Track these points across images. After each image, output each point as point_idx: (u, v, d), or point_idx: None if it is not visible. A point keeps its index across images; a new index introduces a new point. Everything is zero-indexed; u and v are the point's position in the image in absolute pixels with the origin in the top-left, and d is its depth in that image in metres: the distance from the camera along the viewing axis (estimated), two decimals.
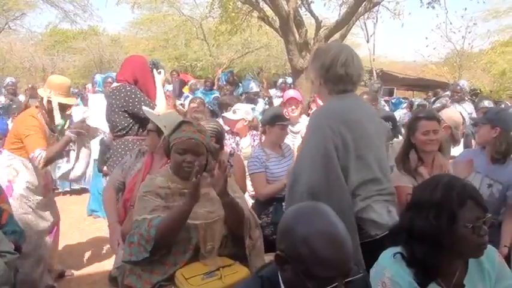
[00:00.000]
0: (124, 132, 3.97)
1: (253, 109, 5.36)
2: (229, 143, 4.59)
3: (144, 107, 3.72)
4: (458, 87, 7.32)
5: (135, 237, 2.38)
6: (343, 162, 2.30)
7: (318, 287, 1.39)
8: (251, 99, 8.58)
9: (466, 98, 7.56)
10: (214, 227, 2.50)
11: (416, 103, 10.76)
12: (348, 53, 2.48)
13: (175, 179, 2.56)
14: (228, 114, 4.95)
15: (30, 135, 3.82)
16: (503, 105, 7.52)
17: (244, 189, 3.95)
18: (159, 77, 4.35)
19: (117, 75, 4.23)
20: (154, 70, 4.35)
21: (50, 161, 3.89)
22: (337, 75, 2.43)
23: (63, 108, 4.13)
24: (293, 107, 5.04)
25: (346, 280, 1.41)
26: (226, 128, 5.05)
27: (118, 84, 4.06)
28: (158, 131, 3.20)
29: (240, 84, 10.27)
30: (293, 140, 4.88)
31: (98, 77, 8.81)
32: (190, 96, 9.28)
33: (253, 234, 2.57)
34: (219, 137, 3.64)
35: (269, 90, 11.75)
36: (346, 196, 2.31)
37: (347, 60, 2.43)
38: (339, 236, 1.44)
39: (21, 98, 8.79)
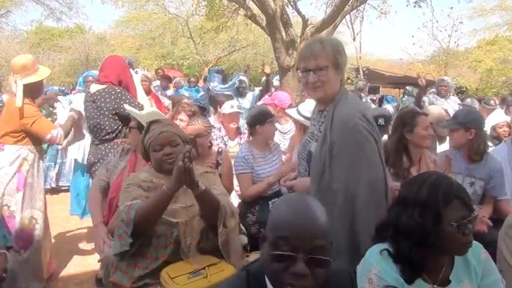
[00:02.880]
0: (113, 135, 3.91)
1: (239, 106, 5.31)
2: (216, 142, 4.57)
3: (126, 106, 3.69)
4: (445, 82, 7.41)
5: (121, 229, 2.38)
6: None
7: (283, 268, 1.38)
8: (242, 92, 8.48)
9: (452, 93, 7.66)
10: (192, 224, 2.49)
11: (404, 98, 10.75)
12: None
13: (159, 175, 2.56)
14: (227, 110, 4.87)
15: (36, 121, 3.77)
16: (483, 102, 7.56)
17: (231, 188, 3.95)
18: (137, 77, 4.41)
19: (99, 77, 4.10)
20: (131, 70, 4.37)
21: (65, 136, 3.95)
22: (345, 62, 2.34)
23: (39, 85, 3.96)
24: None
25: (309, 256, 1.37)
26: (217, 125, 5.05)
27: (104, 86, 3.95)
28: (140, 128, 3.18)
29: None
30: (282, 140, 4.87)
31: (80, 77, 8.65)
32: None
33: (228, 222, 2.48)
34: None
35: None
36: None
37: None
38: (309, 208, 1.46)
39: (5, 97, 8.60)
